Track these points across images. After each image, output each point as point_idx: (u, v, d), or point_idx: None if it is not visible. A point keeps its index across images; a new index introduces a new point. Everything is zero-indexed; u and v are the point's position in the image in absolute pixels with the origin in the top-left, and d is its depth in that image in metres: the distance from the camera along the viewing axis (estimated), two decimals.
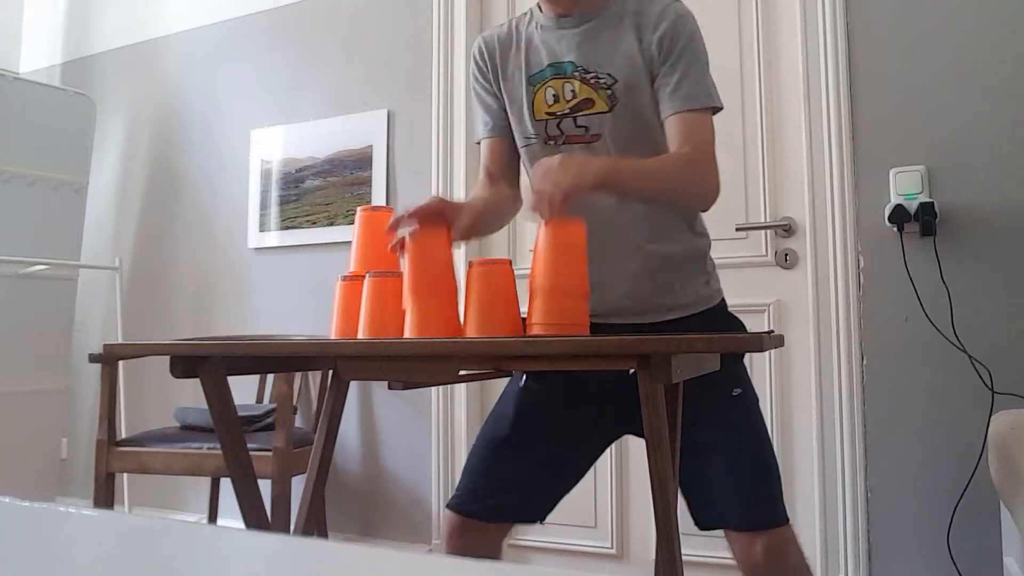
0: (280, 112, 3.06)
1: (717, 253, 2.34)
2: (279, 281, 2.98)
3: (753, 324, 2.28)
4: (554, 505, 1.44)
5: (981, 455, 1.96)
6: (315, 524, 1.46)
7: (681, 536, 1.10)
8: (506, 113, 1.45)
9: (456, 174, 2.69)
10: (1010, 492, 1.50)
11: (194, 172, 3.25)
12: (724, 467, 1.30)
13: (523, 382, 1.44)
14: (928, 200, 2.04)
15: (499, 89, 1.45)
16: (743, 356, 1.38)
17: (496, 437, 1.42)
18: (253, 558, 0.35)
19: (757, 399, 1.36)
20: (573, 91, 1.36)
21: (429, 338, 1.11)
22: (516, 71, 1.42)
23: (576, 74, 1.36)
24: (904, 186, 2.08)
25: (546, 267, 1.12)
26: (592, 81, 1.35)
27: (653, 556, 2.37)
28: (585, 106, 1.35)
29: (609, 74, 1.34)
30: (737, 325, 1.42)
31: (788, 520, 1.31)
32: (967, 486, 1.98)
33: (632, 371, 1.03)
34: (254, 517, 1.32)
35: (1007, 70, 2.03)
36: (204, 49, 3.28)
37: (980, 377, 1.98)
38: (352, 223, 2.84)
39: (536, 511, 1.43)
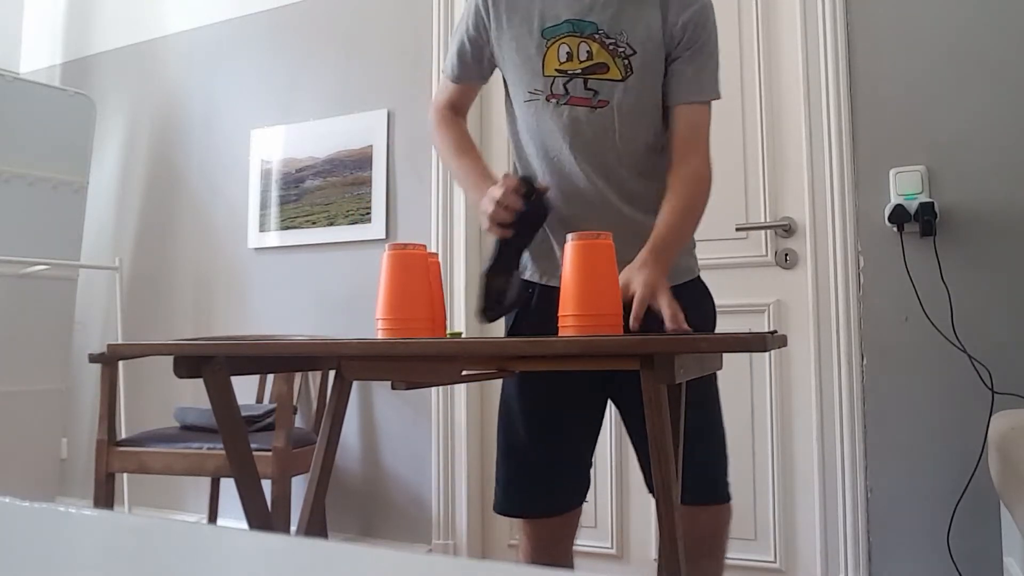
0: (280, 112, 3.06)
1: (717, 253, 2.35)
2: (279, 281, 2.98)
3: (753, 324, 2.28)
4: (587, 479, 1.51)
5: (981, 455, 1.95)
6: (316, 524, 1.46)
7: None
8: (487, 62, 1.43)
9: None
10: (1010, 492, 1.50)
11: (194, 172, 3.25)
12: (691, 441, 1.32)
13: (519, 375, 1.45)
14: (928, 200, 2.04)
15: (493, 37, 1.40)
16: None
17: (518, 434, 1.43)
18: (253, 558, 0.34)
19: (716, 378, 1.41)
20: (589, 52, 1.31)
21: (432, 339, 1.11)
22: (526, 20, 1.36)
23: (596, 36, 1.31)
24: (904, 186, 2.08)
25: (577, 277, 1.10)
26: (610, 47, 1.31)
27: (653, 556, 2.37)
28: (599, 70, 1.31)
29: (629, 44, 1.31)
30: (711, 301, 1.47)
31: (730, 499, 1.41)
32: (967, 486, 1.98)
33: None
34: (257, 517, 1.32)
35: (1007, 70, 2.03)
36: (204, 49, 3.28)
37: (980, 377, 1.98)
38: (352, 223, 2.85)
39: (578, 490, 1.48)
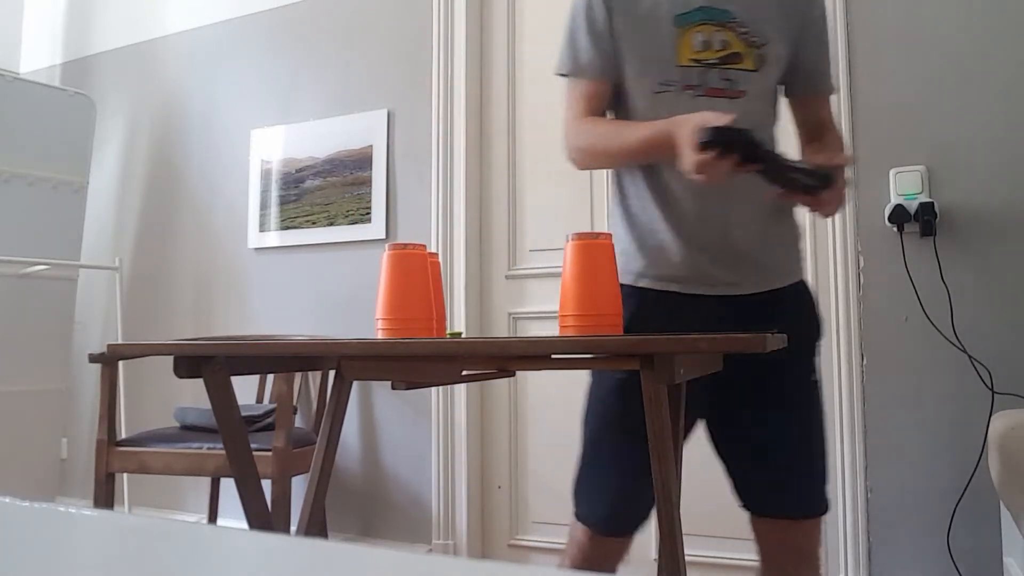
0: (280, 112, 3.06)
1: None
2: (279, 281, 2.98)
3: None
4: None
5: (981, 455, 1.95)
6: (316, 524, 1.46)
7: (683, 536, 1.10)
8: (616, 55, 1.30)
9: (456, 174, 2.69)
10: (1010, 492, 1.50)
11: (194, 172, 3.25)
12: (798, 450, 1.29)
13: (621, 375, 1.30)
14: (928, 200, 2.04)
15: (618, 26, 1.30)
16: (819, 344, 1.37)
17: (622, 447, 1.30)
18: (253, 558, 0.34)
19: (818, 376, 1.37)
20: (724, 41, 1.26)
21: (432, 339, 1.11)
22: (656, 7, 1.28)
23: (731, 24, 1.26)
24: (904, 186, 2.08)
25: (576, 273, 1.10)
26: (744, 36, 1.27)
27: (653, 556, 2.37)
28: (733, 60, 1.26)
29: (764, 34, 1.28)
30: (817, 308, 1.40)
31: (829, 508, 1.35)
32: (967, 486, 1.98)
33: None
34: (257, 517, 1.32)
35: (1007, 70, 2.03)
36: (204, 49, 3.28)
37: (980, 377, 1.98)
38: (352, 223, 2.85)
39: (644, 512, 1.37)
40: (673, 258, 1.27)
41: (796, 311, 1.33)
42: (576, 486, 1.35)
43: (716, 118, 1.09)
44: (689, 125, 1.10)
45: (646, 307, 1.29)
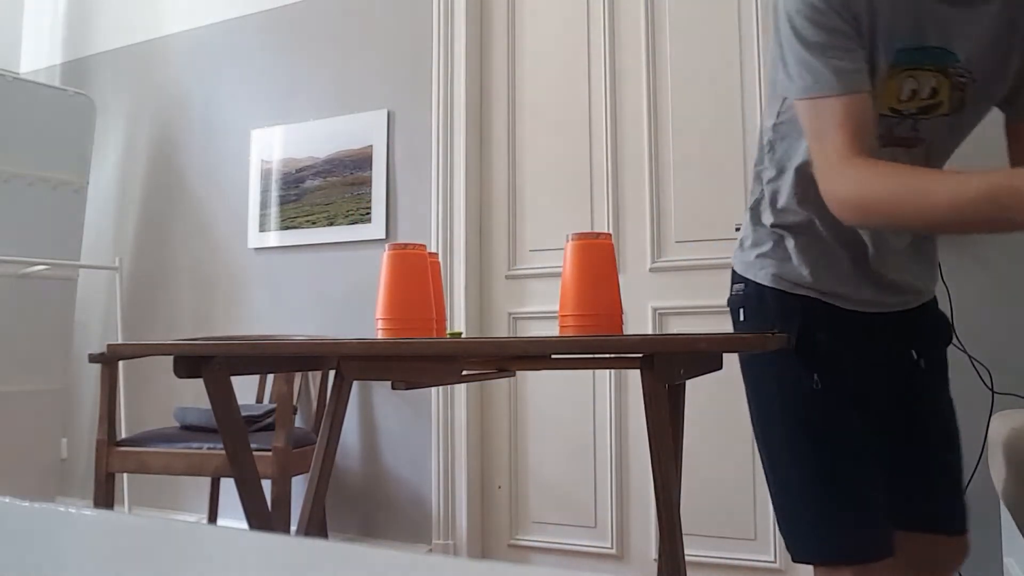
0: (280, 112, 3.06)
1: (717, 253, 2.35)
2: (279, 281, 2.98)
3: None
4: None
5: (981, 455, 1.95)
6: (316, 524, 1.46)
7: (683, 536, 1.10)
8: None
9: (456, 174, 2.69)
10: (1011, 492, 1.50)
11: (194, 172, 3.25)
12: (951, 460, 1.22)
13: (815, 385, 1.12)
14: None
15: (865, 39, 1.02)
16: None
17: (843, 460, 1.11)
18: (253, 558, 0.34)
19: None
20: (934, 89, 1.04)
21: (432, 339, 1.11)
22: (881, 34, 1.00)
23: (952, 71, 1.03)
24: None
25: (576, 275, 1.10)
26: (956, 80, 1.05)
27: (653, 556, 2.37)
28: (932, 109, 1.06)
29: (970, 72, 1.04)
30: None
31: None
32: (967, 486, 1.97)
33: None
34: (257, 517, 1.32)
35: None
36: (204, 49, 3.28)
37: (980, 377, 1.98)
38: (352, 223, 2.85)
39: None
40: (847, 281, 1.15)
41: (936, 317, 1.29)
42: (805, 524, 1.10)
43: None
44: None
45: (816, 312, 1.15)
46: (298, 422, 2.79)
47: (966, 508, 1.24)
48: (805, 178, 1.11)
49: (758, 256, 1.18)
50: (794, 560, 1.10)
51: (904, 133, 1.06)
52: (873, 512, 1.08)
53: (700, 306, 2.35)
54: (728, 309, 1.27)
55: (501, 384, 2.65)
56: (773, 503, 1.15)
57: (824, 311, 1.15)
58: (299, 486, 2.70)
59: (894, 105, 1.04)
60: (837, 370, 1.11)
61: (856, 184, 0.97)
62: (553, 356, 1.06)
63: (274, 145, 3.04)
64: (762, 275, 1.17)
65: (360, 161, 2.86)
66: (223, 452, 2.23)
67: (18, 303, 2.96)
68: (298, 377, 2.80)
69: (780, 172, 1.16)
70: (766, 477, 1.16)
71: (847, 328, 1.16)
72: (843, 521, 1.07)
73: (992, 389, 1.96)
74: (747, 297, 1.19)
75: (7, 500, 0.43)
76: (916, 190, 0.94)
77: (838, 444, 1.10)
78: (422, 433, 2.67)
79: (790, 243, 1.15)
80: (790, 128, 1.13)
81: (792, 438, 1.12)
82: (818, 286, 1.14)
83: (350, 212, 2.85)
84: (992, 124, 1.23)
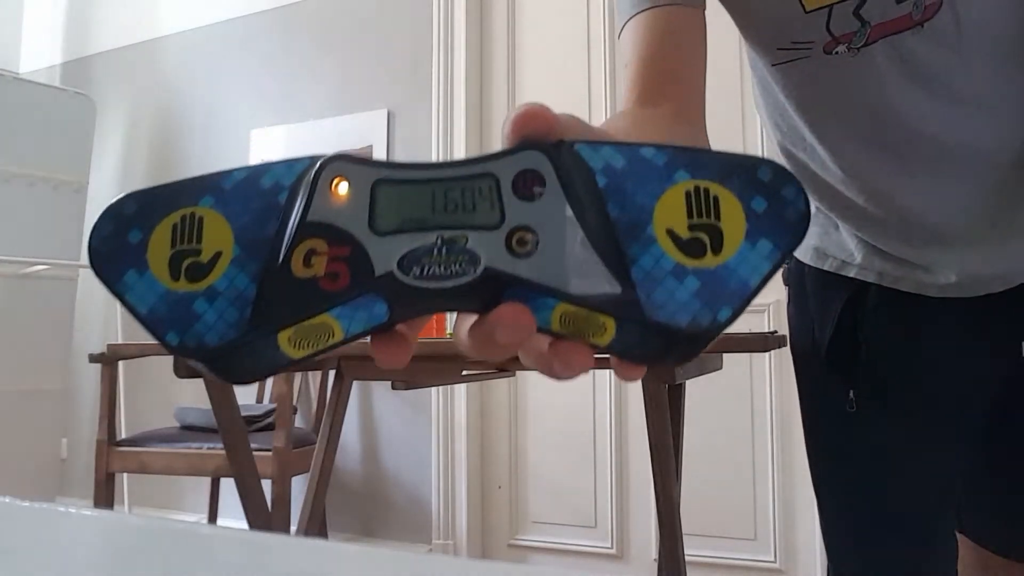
0: (280, 112, 3.06)
1: None
2: None
3: (753, 324, 2.28)
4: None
5: None
6: (316, 524, 1.46)
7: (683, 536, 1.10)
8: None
9: None
10: None
11: (194, 172, 3.23)
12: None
13: (850, 406, 0.88)
14: None
15: None
16: None
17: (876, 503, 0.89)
18: (253, 558, 0.34)
19: None
20: None
21: (432, 338, 1.11)
22: None
23: None
24: None
25: None
26: None
27: (653, 556, 2.37)
28: None
29: None
30: None
31: None
32: None
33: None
34: (257, 517, 1.32)
35: None
36: (204, 49, 3.28)
37: None
38: None
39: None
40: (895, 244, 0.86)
41: None
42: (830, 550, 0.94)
43: None
44: None
45: (867, 301, 0.91)
46: (298, 422, 2.79)
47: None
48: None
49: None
50: None
51: (889, 14, 0.70)
52: (910, 540, 0.87)
53: None
54: None
55: (501, 384, 2.65)
56: None
57: (880, 300, 0.86)
58: (299, 486, 2.70)
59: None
60: (887, 386, 0.85)
61: None
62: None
63: (274, 145, 3.04)
64: (803, 248, 0.90)
65: None
66: (223, 452, 2.23)
67: (18, 303, 2.96)
68: (298, 377, 2.80)
69: None
70: None
71: (914, 322, 0.85)
72: (870, 555, 0.88)
73: None
74: (789, 275, 0.94)
75: (7, 500, 0.43)
76: None
77: (875, 475, 0.89)
78: (422, 433, 2.67)
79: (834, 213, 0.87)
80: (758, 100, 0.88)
81: (817, 467, 0.96)
82: (870, 263, 0.86)
83: None
84: None
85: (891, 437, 0.86)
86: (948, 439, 0.86)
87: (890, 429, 0.86)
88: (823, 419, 0.92)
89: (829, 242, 0.89)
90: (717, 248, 0.30)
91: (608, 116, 2.52)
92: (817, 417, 0.93)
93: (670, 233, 0.31)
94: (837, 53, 0.73)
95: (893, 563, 0.88)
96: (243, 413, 2.43)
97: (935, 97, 0.74)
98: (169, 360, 1.27)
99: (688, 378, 1.02)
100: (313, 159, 0.33)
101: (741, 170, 0.32)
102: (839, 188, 0.82)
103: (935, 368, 0.84)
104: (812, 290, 0.90)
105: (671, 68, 0.66)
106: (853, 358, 0.86)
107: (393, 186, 0.32)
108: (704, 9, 0.69)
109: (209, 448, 2.29)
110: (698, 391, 2.31)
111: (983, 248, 0.83)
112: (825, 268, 0.88)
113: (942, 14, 0.70)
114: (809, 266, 0.90)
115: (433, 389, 2.64)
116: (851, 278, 0.86)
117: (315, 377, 2.79)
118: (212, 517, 2.76)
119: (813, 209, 0.86)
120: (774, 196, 0.31)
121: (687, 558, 1.87)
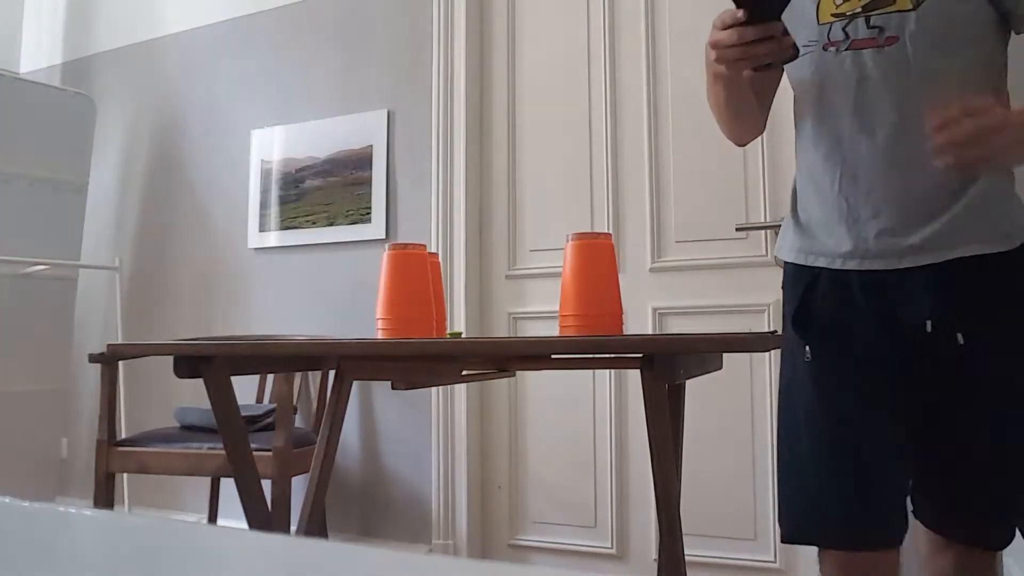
0: (280, 112, 3.06)
1: (717, 253, 2.35)
2: (279, 281, 2.98)
3: (753, 324, 2.28)
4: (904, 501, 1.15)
5: None
6: (316, 524, 1.46)
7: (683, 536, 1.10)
8: None
9: (456, 174, 2.69)
10: None
11: (194, 172, 3.25)
12: (998, 463, 1.09)
13: (806, 357, 1.14)
14: None
15: None
16: None
17: (830, 439, 1.11)
18: (253, 558, 0.34)
19: None
20: None
21: (432, 339, 1.11)
22: None
23: None
24: None
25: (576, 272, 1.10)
26: None
27: (653, 556, 2.37)
28: (882, 3, 1.09)
29: None
30: None
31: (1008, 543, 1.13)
32: None
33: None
34: (257, 517, 1.32)
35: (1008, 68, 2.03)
36: (204, 49, 3.28)
37: None
38: (352, 223, 2.85)
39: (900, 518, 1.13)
40: (845, 229, 1.21)
41: (1007, 289, 1.16)
42: (782, 498, 1.15)
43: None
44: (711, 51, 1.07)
45: (817, 281, 1.20)
46: (298, 422, 2.79)
47: (1007, 522, 1.11)
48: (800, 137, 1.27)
49: (783, 230, 1.26)
50: (782, 540, 1.15)
51: (863, 34, 1.10)
52: (858, 496, 1.08)
53: (700, 306, 2.35)
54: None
55: (501, 384, 2.65)
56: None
57: (826, 279, 1.15)
58: (299, 486, 2.70)
59: (835, 11, 1.12)
60: (832, 344, 1.12)
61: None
62: (553, 356, 1.06)
63: (274, 145, 3.04)
64: (789, 251, 1.22)
65: (360, 161, 2.86)
66: (223, 452, 2.23)
67: (18, 303, 2.96)
68: (298, 377, 2.80)
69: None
70: None
71: (847, 294, 1.12)
72: (817, 502, 1.10)
73: None
74: (783, 275, 1.25)
75: (7, 500, 0.43)
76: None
77: (826, 422, 1.11)
78: (422, 433, 2.67)
79: (790, 211, 1.24)
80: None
81: (782, 414, 1.17)
82: (803, 245, 1.18)
83: (350, 212, 2.85)
84: None
85: (836, 381, 1.12)
86: (880, 396, 1.10)
87: (833, 375, 1.12)
88: (787, 368, 1.18)
89: (785, 239, 1.22)
90: None
91: (607, 115, 2.53)
92: (784, 369, 1.19)
93: None
94: (828, 51, 1.14)
95: (830, 497, 1.09)
96: (243, 413, 2.43)
97: (869, 101, 1.12)
98: (169, 360, 1.27)
99: (688, 378, 1.02)
100: None
101: None
102: (819, 162, 1.19)
103: (861, 330, 1.11)
104: (788, 279, 1.22)
105: None
106: (809, 324, 1.15)
107: None
108: None
109: (209, 448, 2.29)
110: (698, 391, 2.31)
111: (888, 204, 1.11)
112: (798, 262, 1.18)
113: (898, 46, 1.08)
114: (786, 262, 1.22)
115: (433, 389, 2.64)
116: (811, 267, 1.16)
117: (315, 377, 2.79)
118: (212, 517, 2.76)
119: (788, 215, 1.24)
120: None
121: (687, 558, 1.87)
